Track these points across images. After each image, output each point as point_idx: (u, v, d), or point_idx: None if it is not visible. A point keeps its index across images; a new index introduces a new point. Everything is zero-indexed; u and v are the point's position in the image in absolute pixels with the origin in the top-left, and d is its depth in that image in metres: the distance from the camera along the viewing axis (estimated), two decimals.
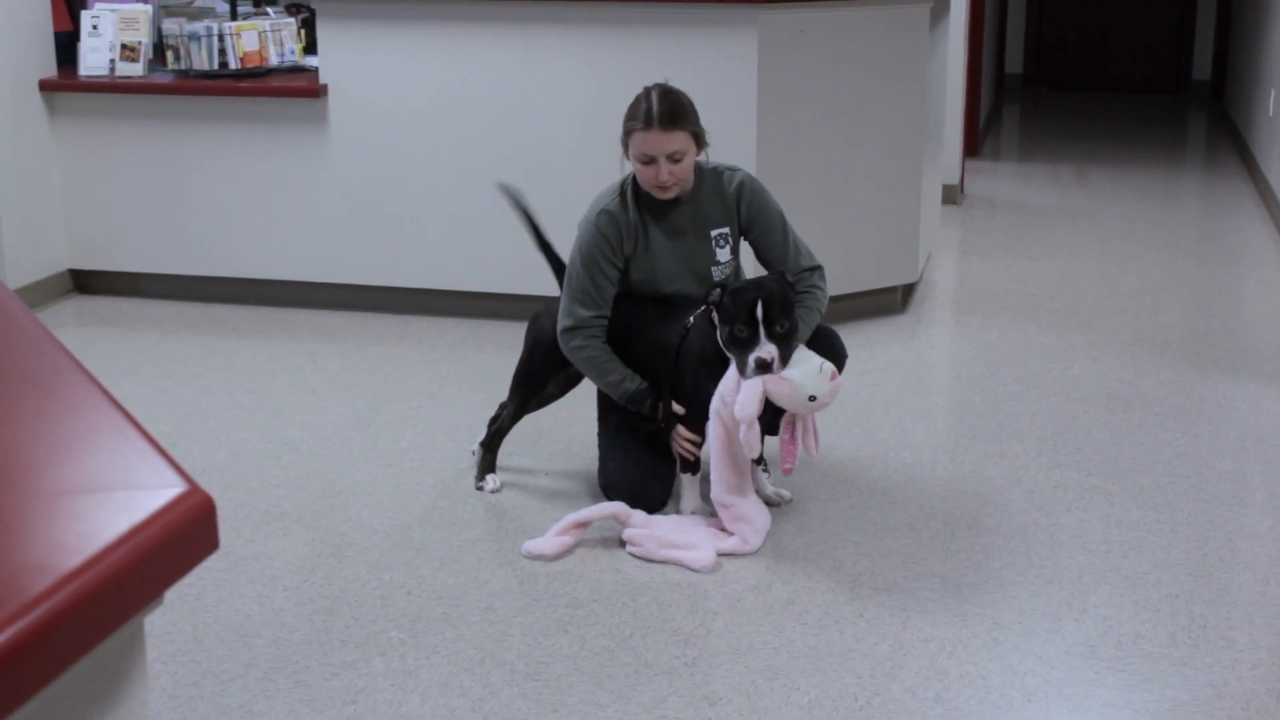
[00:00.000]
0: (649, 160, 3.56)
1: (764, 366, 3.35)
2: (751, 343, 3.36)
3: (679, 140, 3.55)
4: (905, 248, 5.52)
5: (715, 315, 3.48)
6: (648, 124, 3.54)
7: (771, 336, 3.36)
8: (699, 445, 3.62)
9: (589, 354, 3.65)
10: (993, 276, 6.18)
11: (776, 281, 3.47)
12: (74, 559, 1.07)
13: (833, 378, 3.42)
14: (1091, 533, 3.63)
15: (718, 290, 3.45)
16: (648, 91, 3.62)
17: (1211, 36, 11.59)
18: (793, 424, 3.49)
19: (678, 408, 3.59)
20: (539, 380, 3.86)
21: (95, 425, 1.30)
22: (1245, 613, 3.22)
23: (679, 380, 3.58)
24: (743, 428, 3.38)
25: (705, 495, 3.70)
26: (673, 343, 3.59)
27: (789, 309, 3.42)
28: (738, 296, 3.39)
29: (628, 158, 3.65)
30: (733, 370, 3.43)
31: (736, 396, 3.39)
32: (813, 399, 3.39)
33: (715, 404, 3.46)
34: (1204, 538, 3.59)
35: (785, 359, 3.38)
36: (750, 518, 3.51)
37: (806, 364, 3.42)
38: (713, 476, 3.53)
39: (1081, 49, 11.98)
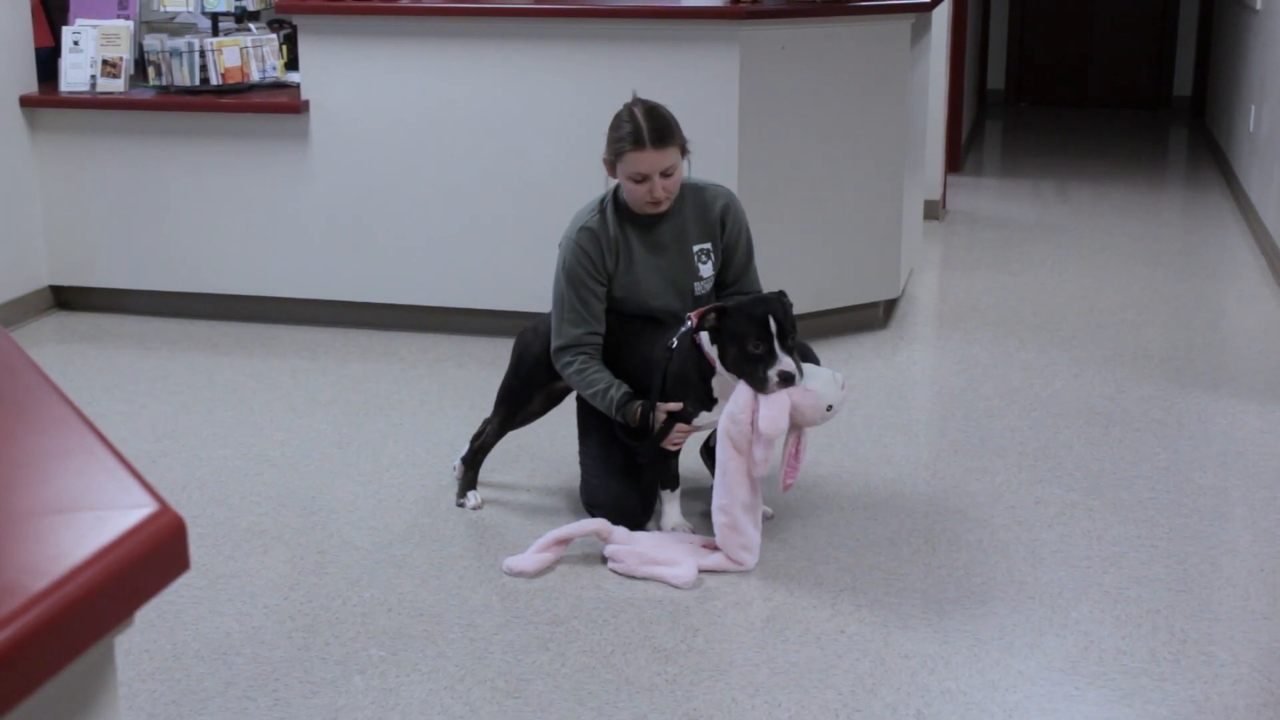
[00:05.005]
0: (642, 179, 3.57)
1: (788, 380, 3.35)
2: (768, 358, 3.35)
3: (671, 156, 3.57)
4: (887, 263, 5.53)
5: (707, 338, 3.46)
6: (639, 144, 3.54)
7: (785, 350, 3.37)
8: (687, 432, 3.59)
9: (578, 368, 3.64)
10: (974, 292, 6.19)
11: (777, 297, 3.48)
12: (42, 580, 1.06)
13: (843, 386, 3.48)
14: (1072, 548, 3.63)
15: (713, 314, 3.44)
16: (631, 111, 3.62)
17: (1192, 53, 11.65)
18: (798, 439, 3.50)
19: (672, 406, 3.54)
20: (524, 396, 3.86)
21: (65, 445, 1.29)
22: (1226, 628, 3.22)
23: (662, 399, 3.57)
24: (762, 446, 3.37)
25: (697, 512, 3.70)
26: (659, 359, 3.58)
27: (794, 323, 3.44)
28: (745, 314, 3.38)
29: (614, 176, 3.65)
30: (742, 390, 3.40)
31: (753, 414, 3.36)
32: (830, 408, 3.44)
33: (724, 424, 3.42)
34: (1185, 553, 3.60)
35: (800, 371, 3.40)
36: (754, 546, 3.49)
37: (820, 374, 3.47)
38: (724, 499, 3.45)
39: (1063, 65, 12.03)
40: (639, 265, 3.68)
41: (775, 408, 3.35)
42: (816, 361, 3.68)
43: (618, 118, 3.64)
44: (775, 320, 3.35)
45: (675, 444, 3.59)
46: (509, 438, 3.95)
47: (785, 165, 5.20)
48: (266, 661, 3.08)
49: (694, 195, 3.72)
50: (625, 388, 3.60)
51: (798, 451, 3.50)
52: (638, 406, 3.56)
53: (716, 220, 3.72)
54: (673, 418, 3.54)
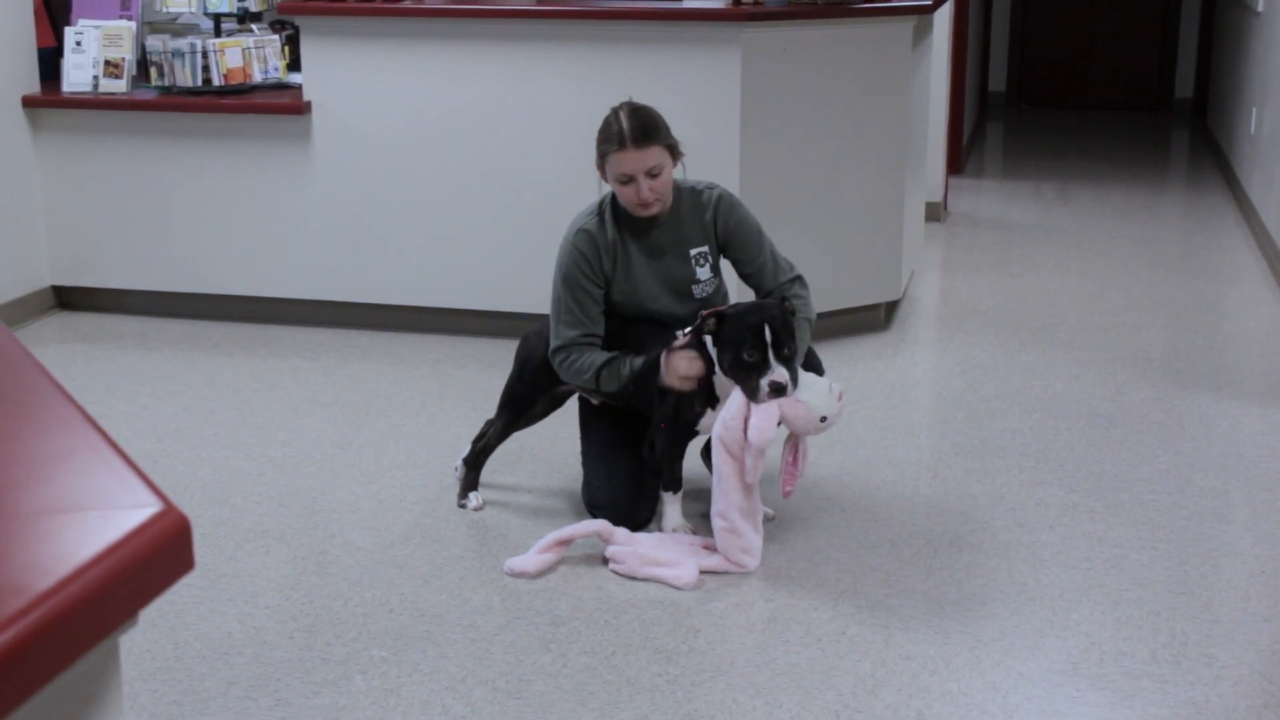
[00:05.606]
0: (628, 180, 3.57)
1: (779, 390, 3.33)
2: (761, 367, 3.34)
3: (655, 155, 3.56)
4: (888, 265, 5.53)
5: (710, 342, 3.45)
6: (621, 144, 3.55)
7: (779, 359, 3.35)
8: (701, 379, 3.49)
9: (573, 360, 3.63)
10: (976, 294, 6.19)
11: (776, 305, 3.47)
12: (48, 579, 1.07)
13: (840, 397, 3.45)
14: (1073, 550, 3.63)
15: (713, 320, 3.43)
16: (616, 112, 3.63)
17: (1194, 54, 11.65)
18: (795, 446, 3.49)
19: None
20: (527, 399, 3.86)
21: (70, 445, 1.30)
22: (1226, 630, 3.22)
23: (662, 399, 3.57)
24: (752, 454, 3.36)
25: (698, 514, 3.71)
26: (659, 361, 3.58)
27: (792, 332, 3.42)
28: (742, 321, 3.37)
29: (606, 180, 3.66)
30: (736, 396, 3.40)
31: (745, 421, 3.36)
32: (824, 419, 3.42)
33: (718, 430, 3.42)
34: (1186, 555, 3.60)
35: (794, 381, 3.38)
36: (754, 549, 3.49)
37: (816, 385, 3.44)
38: (721, 504, 3.46)
39: (1065, 67, 12.03)
40: (637, 269, 3.68)
41: (765, 417, 3.35)
42: (820, 367, 3.68)
43: (605, 121, 3.65)
44: (771, 329, 3.35)
45: (684, 377, 3.48)
46: (510, 439, 3.95)
47: (787, 167, 5.20)
48: (268, 661, 3.08)
49: (690, 199, 3.73)
50: (615, 353, 3.58)
51: (795, 459, 3.49)
52: (639, 360, 3.54)
53: (710, 219, 3.72)
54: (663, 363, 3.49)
